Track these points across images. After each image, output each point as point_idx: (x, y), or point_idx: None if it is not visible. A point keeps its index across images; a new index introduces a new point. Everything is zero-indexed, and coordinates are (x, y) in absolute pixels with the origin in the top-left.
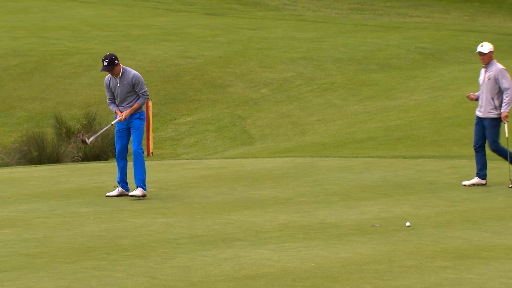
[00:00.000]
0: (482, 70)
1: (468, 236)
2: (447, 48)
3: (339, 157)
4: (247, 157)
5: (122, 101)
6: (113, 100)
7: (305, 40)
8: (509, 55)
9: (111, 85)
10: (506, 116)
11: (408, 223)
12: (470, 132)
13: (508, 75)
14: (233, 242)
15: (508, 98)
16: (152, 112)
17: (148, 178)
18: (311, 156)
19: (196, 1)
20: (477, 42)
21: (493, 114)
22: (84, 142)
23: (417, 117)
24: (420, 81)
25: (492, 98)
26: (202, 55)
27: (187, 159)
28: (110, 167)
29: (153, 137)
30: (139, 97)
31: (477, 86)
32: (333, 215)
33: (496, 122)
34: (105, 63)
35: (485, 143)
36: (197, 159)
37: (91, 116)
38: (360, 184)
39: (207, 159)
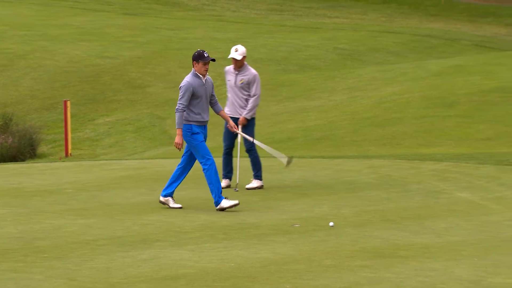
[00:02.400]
0: (232, 73)
1: (386, 236)
2: (365, 49)
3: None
4: (167, 158)
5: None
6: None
7: (225, 41)
8: (426, 55)
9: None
10: (243, 121)
11: (331, 223)
12: (388, 132)
13: (259, 82)
14: (153, 243)
15: (252, 104)
16: (71, 112)
17: (67, 179)
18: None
19: (115, 0)
20: (395, 43)
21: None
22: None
23: (336, 118)
24: (339, 82)
25: (246, 99)
26: (121, 55)
27: (106, 159)
28: (28, 168)
29: (71, 137)
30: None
31: (395, 86)
32: (253, 215)
33: (251, 121)
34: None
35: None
36: (116, 159)
37: (8, 116)
38: (280, 184)
39: (126, 159)
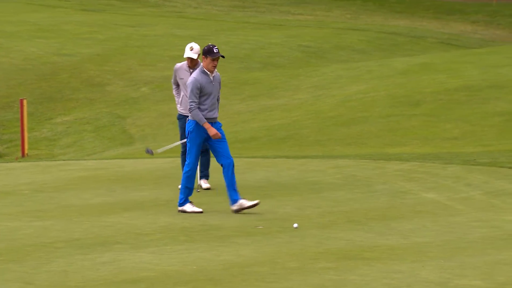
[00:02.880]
0: (186, 70)
1: (351, 237)
2: (330, 47)
3: None
4: (126, 158)
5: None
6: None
7: (186, 38)
8: (391, 53)
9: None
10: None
11: (295, 225)
12: (353, 132)
13: None
14: (112, 246)
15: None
16: (27, 111)
17: (23, 179)
18: None
19: None
20: (360, 41)
21: None
22: (149, 152)
23: (300, 117)
24: (303, 80)
25: None
26: (79, 52)
27: (64, 160)
28: None
29: (28, 137)
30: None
31: (360, 85)
32: (215, 216)
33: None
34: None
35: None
36: (75, 160)
37: None
38: (243, 185)
39: (85, 160)
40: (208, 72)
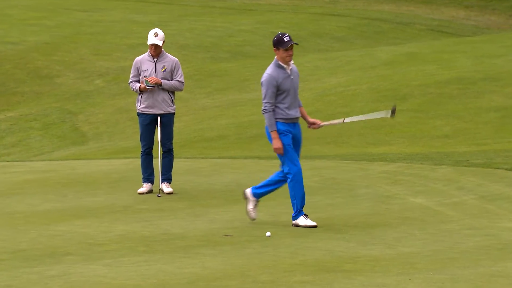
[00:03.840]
0: (149, 61)
1: (330, 247)
2: (306, 34)
3: (186, 158)
4: (79, 159)
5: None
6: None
7: (146, 24)
8: (375, 42)
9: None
10: (157, 81)
11: (268, 233)
12: (333, 130)
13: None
14: (63, 257)
15: (175, 84)
16: None
17: None
18: (154, 157)
19: None
20: (340, 28)
21: (172, 109)
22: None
23: None
24: None
25: (169, 92)
26: (25, 40)
27: (8, 161)
28: None
29: None
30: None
31: (340, 77)
32: (178, 224)
33: (171, 119)
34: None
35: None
36: (20, 161)
37: None
38: (210, 189)
39: (31, 161)
40: (285, 65)
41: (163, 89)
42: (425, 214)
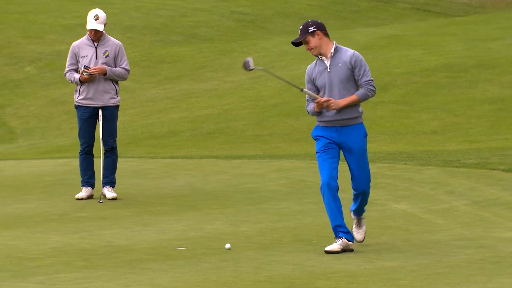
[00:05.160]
0: (89, 46)
1: (300, 261)
2: (272, 14)
3: (131, 157)
4: (6, 159)
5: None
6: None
7: (85, 2)
8: (351, 22)
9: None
10: (103, 70)
11: (228, 245)
12: (303, 124)
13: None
14: None
15: (119, 72)
16: None
17: None
18: (95, 157)
19: None
20: (311, 6)
21: (116, 101)
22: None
23: (234, 105)
24: (237, 57)
25: (113, 81)
26: None
27: None
28: None
29: None
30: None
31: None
32: (123, 235)
33: (118, 111)
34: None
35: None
36: None
37: None
38: (160, 194)
39: None
40: (322, 57)
41: (106, 79)
42: (409, 222)
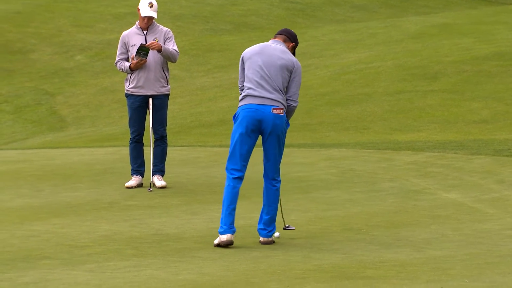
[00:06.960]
0: (138, 34)
1: (349, 250)
2: (321, 2)
3: (181, 146)
4: (57, 147)
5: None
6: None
7: None
8: (402, 11)
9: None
10: (158, 46)
11: (277, 234)
12: (352, 113)
13: None
14: (39, 261)
15: (172, 53)
16: None
17: None
18: (145, 146)
19: None
20: None
21: (166, 89)
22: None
23: None
24: None
25: (164, 69)
26: None
27: None
28: None
29: None
30: None
31: (361, 52)
32: (172, 223)
33: (168, 100)
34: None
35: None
36: None
37: None
38: (209, 182)
39: (1, 149)
40: None
41: (156, 67)
42: (459, 211)
